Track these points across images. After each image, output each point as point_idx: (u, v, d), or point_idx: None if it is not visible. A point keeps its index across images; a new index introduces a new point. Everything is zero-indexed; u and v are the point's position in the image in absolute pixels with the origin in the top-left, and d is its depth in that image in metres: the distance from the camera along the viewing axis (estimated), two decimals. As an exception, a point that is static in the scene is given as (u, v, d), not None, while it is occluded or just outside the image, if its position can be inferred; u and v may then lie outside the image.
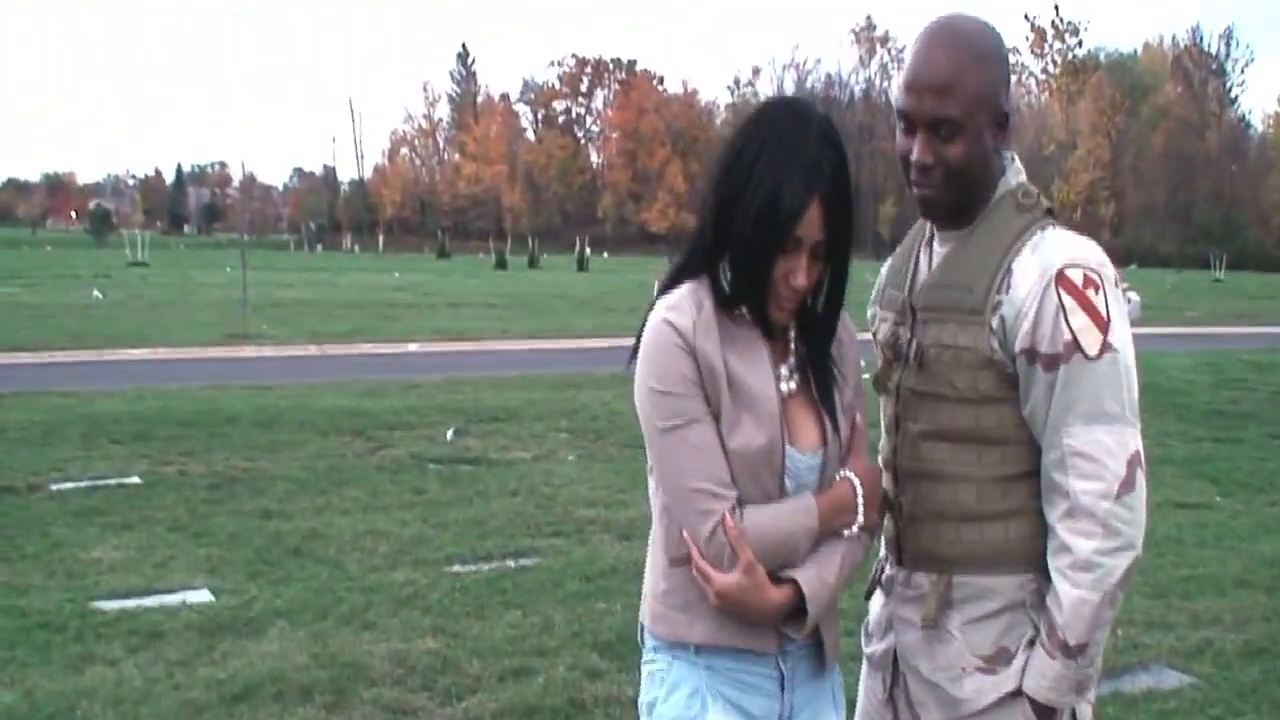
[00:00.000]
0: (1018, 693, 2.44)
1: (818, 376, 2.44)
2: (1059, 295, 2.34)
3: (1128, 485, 2.32)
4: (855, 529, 2.38)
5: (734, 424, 2.31)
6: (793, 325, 2.45)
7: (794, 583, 2.30)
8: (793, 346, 2.45)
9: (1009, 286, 2.40)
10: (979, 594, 2.49)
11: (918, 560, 2.58)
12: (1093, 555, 2.32)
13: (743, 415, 2.32)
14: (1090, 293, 2.34)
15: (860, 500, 2.38)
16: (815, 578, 2.32)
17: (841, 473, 2.40)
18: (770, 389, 2.36)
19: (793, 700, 2.46)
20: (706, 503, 2.29)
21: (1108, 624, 2.38)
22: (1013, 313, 2.38)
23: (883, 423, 2.67)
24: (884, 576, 2.73)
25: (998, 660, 2.47)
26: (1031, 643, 2.44)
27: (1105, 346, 2.33)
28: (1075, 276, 2.35)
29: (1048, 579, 2.41)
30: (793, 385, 2.42)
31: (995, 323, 2.41)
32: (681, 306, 2.34)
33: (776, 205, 2.25)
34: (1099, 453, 2.33)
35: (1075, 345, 2.33)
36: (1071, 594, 2.34)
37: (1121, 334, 2.36)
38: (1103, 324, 2.34)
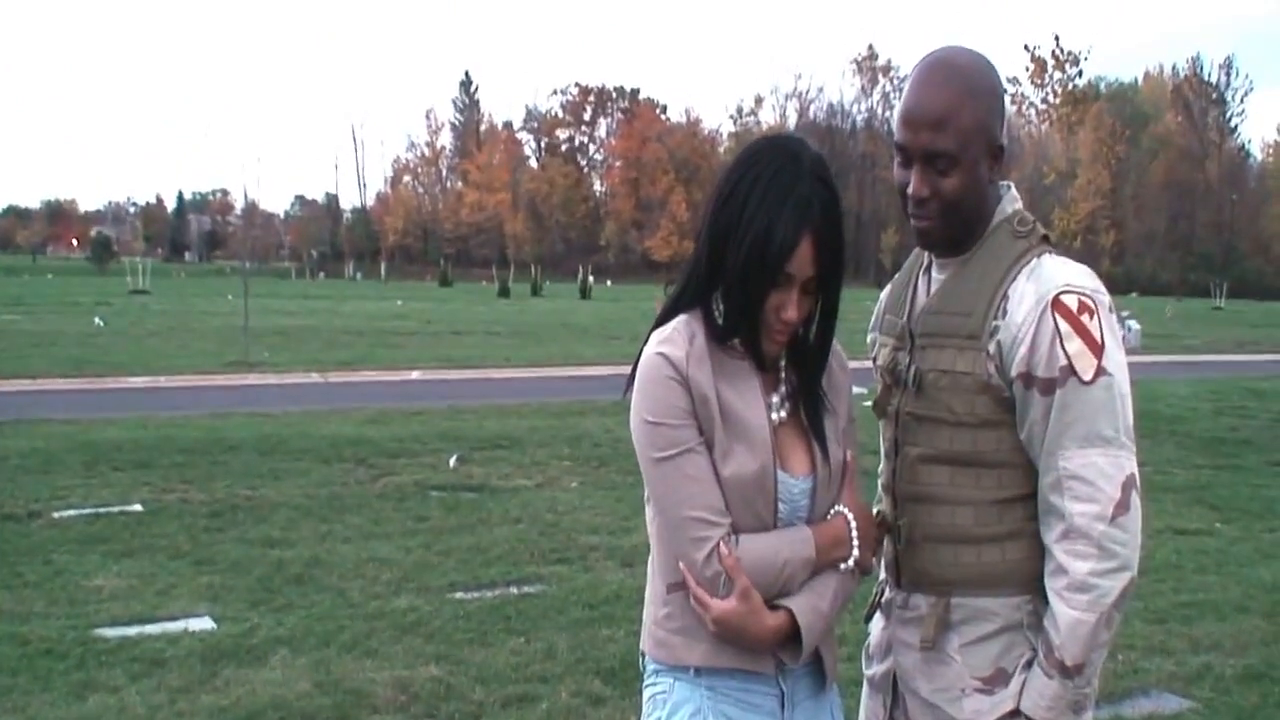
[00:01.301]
0: (1016, 713, 2.46)
1: (808, 405, 2.47)
2: (1055, 320, 2.37)
3: (1123, 508, 2.35)
4: (850, 564, 2.41)
5: (727, 452, 2.35)
6: (784, 356, 2.48)
7: (789, 610, 2.34)
8: (783, 376, 2.48)
9: (1005, 312, 2.44)
10: (977, 615, 2.52)
11: (916, 582, 2.61)
12: (1088, 577, 2.35)
13: (735, 444, 2.36)
14: (1085, 318, 2.38)
15: (855, 536, 2.42)
16: (810, 607, 2.35)
17: (836, 508, 2.44)
18: (761, 417, 2.40)
19: (793, 718, 2.48)
20: (701, 530, 2.33)
21: (1104, 645, 2.40)
22: (1009, 338, 2.42)
23: (882, 447, 2.71)
24: (883, 599, 2.75)
25: (996, 681, 2.49)
26: (1029, 664, 2.47)
27: (1100, 371, 2.36)
28: (1070, 302, 2.39)
29: (1045, 600, 2.44)
30: (783, 414, 2.45)
31: (992, 348, 2.44)
32: (674, 339, 2.40)
33: (769, 242, 2.30)
34: (1094, 476, 2.36)
35: (1071, 370, 2.36)
36: (1068, 615, 2.36)
37: (1116, 359, 2.39)
38: (1097, 349, 2.37)
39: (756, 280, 2.33)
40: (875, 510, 2.73)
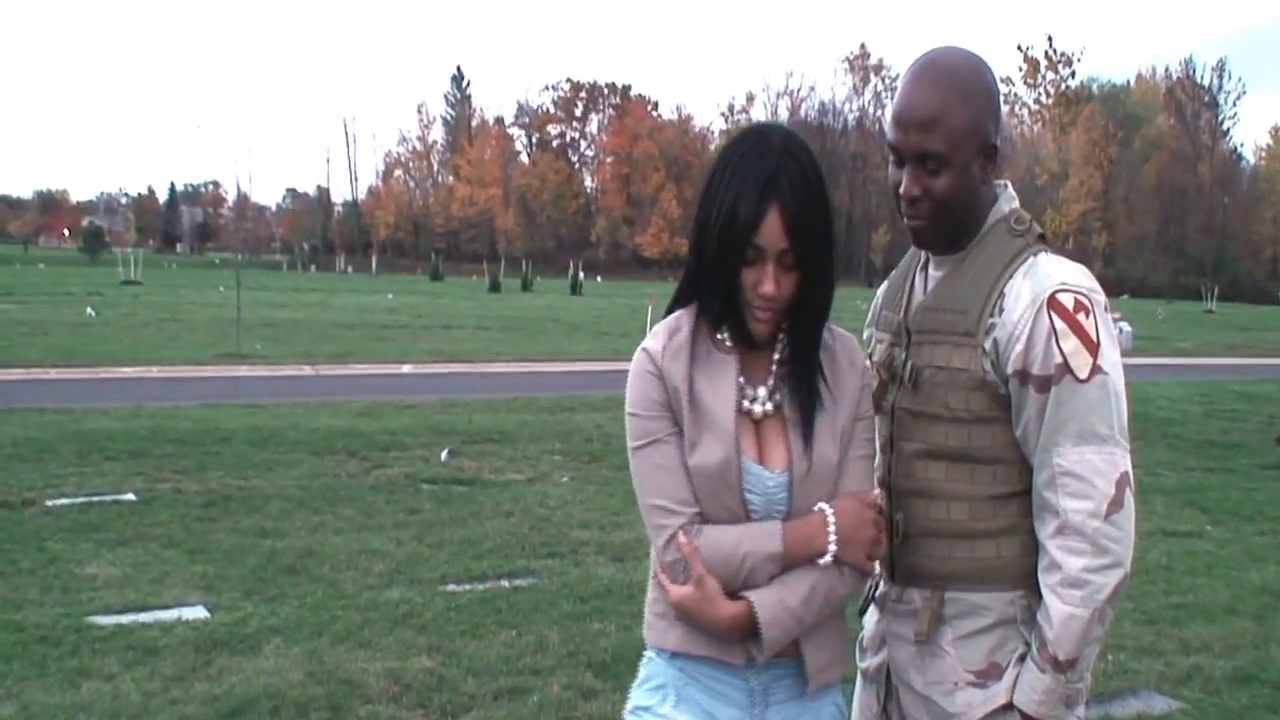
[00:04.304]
0: (1009, 706, 2.48)
1: (797, 398, 2.46)
2: (1050, 319, 2.39)
3: (1116, 504, 2.37)
4: (828, 560, 2.39)
5: (694, 443, 2.39)
6: (780, 348, 2.48)
7: (749, 601, 2.35)
8: (774, 369, 2.48)
9: (1002, 310, 2.46)
10: (971, 610, 2.54)
11: (911, 576, 2.63)
12: (1082, 572, 2.37)
13: (703, 434, 2.39)
14: (1081, 316, 2.40)
15: (831, 532, 2.39)
16: (775, 600, 2.35)
17: (819, 504, 2.42)
18: (729, 409, 2.41)
19: (766, 716, 2.49)
20: (662, 518, 2.39)
21: (1097, 640, 2.42)
22: (1005, 335, 2.44)
23: (877, 442, 2.72)
24: (877, 593, 2.77)
25: (989, 675, 2.51)
26: (1022, 658, 2.49)
27: (1095, 369, 2.39)
28: (1066, 301, 2.41)
29: (1038, 595, 2.46)
30: (768, 407, 2.45)
31: (988, 345, 2.46)
32: (659, 333, 2.47)
33: (735, 217, 2.32)
34: (1088, 473, 2.38)
35: (1066, 368, 2.38)
36: (1062, 610, 2.38)
37: (1111, 358, 2.42)
38: (1093, 347, 2.39)
39: (728, 257, 2.35)
40: None
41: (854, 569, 2.41)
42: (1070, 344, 2.38)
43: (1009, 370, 2.44)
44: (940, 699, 2.56)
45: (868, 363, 2.56)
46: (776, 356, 2.48)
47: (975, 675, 2.52)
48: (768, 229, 2.31)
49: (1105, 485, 2.37)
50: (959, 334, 2.51)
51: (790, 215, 2.31)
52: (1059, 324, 2.39)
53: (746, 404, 2.44)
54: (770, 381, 2.47)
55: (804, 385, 2.45)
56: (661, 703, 2.49)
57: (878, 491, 2.48)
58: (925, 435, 2.56)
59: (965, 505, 2.53)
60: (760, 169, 2.33)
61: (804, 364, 2.46)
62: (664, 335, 2.46)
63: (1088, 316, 2.40)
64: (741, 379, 2.45)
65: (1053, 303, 2.40)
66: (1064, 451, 2.39)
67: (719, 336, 2.46)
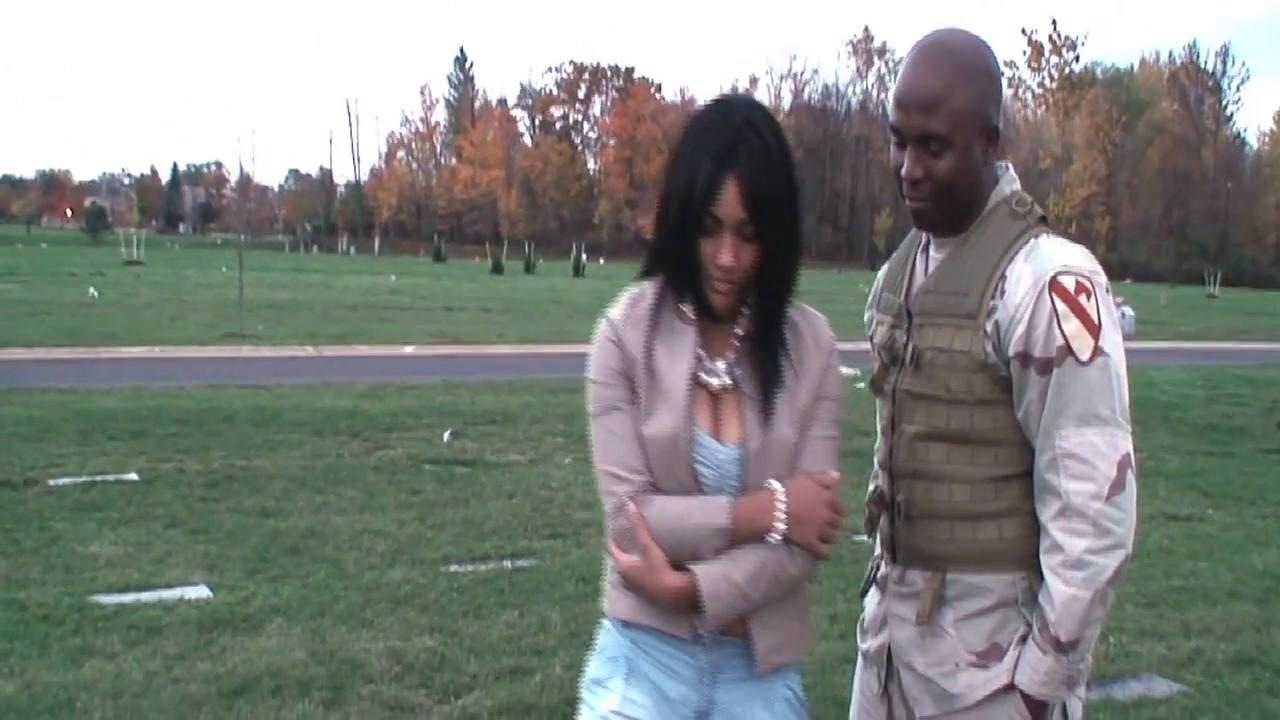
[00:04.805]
0: (1010, 687, 2.48)
1: (757, 374, 2.44)
2: (1052, 301, 2.39)
3: (1118, 486, 2.37)
4: (776, 538, 2.37)
5: (649, 412, 2.40)
6: (744, 322, 2.47)
7: (692, 573, 2.35)
8: (735, 343, 2.47)
9: (1003, 292, 2.45)
10: (972, 591, 2.54)
11: (912, 558, 2.63)
12: (1084, 554, 2.37)
13: (657, 404, 2.40)
14: (1082, 299, 2.40)
15: (779, 509, 2.37)
16: (718, 574, 2.34)
17: (770, 482, 2.40)
18: (682, 379, 2.41)
19: (713, 695, 2.49)
20: (612, 485, 2.41)
21: (1098, 621, 2.42)
22: (1007, 318, 2.43)
23: (879, 424, 2.73)
24: (879, 574, 2.78)
25: (990, 656, 2.52)
26: (1023, 639, 2.49)
27: (1097, 351, 2.38)
28: (1068, 283, 2.40)
29: (1039, 577, 2.46)
30: (727, 380, 2.44)
31: (990, 327, 2.46)
32: (621, 302, 2.49)
33: (693, 187, 2.32)
34: (1090, 454, 2.38)
35: (1068, 350, 2.38)
36: (1064, 591, 2.39)
37: (1112, 340, 2.42)
38: (1094, 329, 2.39)
39: (687, 227, 2.35)
40: (872, 487, 2.75)
41: (806, 550, 2.39)
42: (1072, 326, 2.38)
43: (1010, 352, 2.43)
44: (941, 680, 2.57)
45: (835, 344, 2.52)
46: (739, 331, 2.46)
47: (976, 656, 2.53)
48: (725, 199, 2.30)
49: (1107, 467, 2.37)
50: (960, 316, 2.50)
51: (748, 186, 2.30)
52: (1060, 306, 2.38)
53: (704, 376, 2.43)
54: (731, 355, 2.46)
55: (764, 361, 2.44)
56: (612, 675, 2.51)
57: (836, 474, 2.44)
58: (926, 417, 2.56)
59: (967, 487, 2.53)
60: (719, 139, 2.32)
61: (765, 340, 2.45)
62: (626, 305, 2.48)
63: (1089, 298, 2.40)
64: (702, 351, 2.45)
65: (1054, 285, 2.40)
66: (1066, 433, 2.39)
67: (682, 308, 2.46)
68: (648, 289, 2.49)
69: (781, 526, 2.35)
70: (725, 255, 2.33)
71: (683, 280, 2.43)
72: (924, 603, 2.58)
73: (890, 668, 2.71)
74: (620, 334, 2.45)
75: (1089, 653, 2.46)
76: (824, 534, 2.39)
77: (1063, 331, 2.38)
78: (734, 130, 2.32)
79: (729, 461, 2.41)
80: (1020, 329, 2.41)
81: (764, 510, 2.36)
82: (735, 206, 2.30)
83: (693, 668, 2.47)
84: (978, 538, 2.52)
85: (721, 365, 2.44)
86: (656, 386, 2.41)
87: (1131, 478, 2.40)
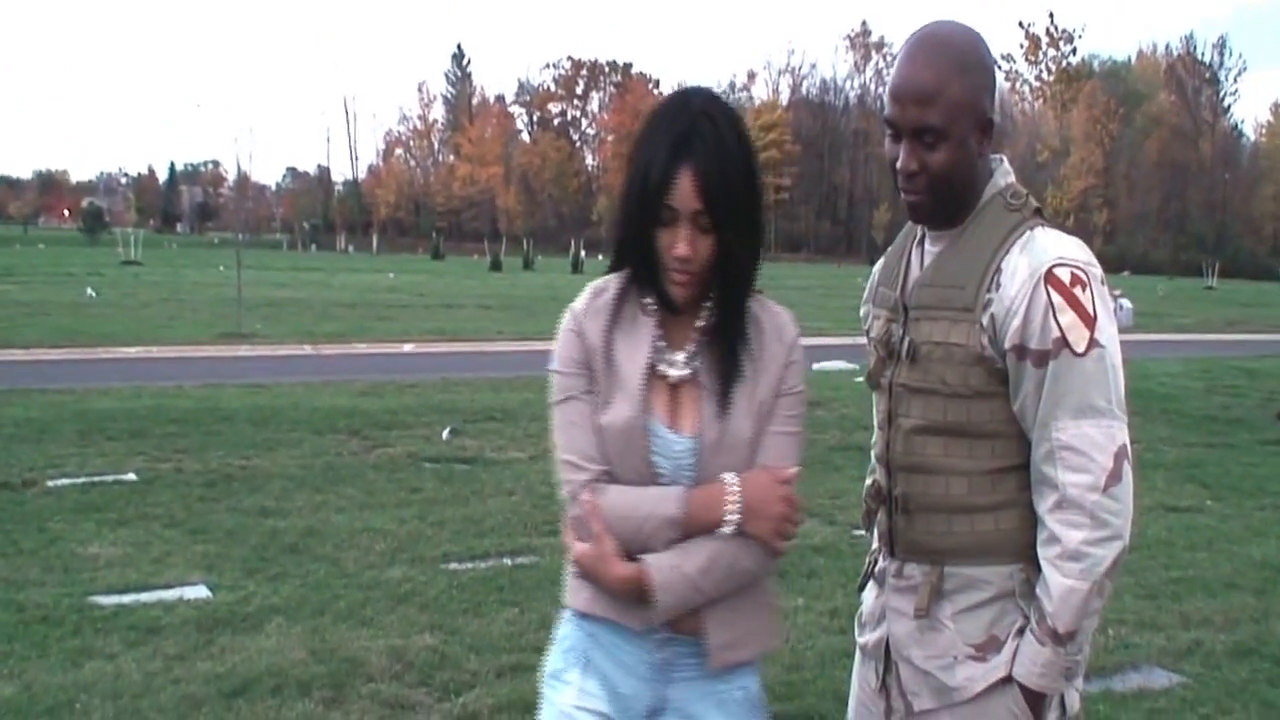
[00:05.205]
0: (1008, 679, 2.49)
1: (715, 366, 2.44)
2: (1048, 293, 2.39)
3: (1115, 477, 2.38)
4: (729, 530, 2.36)
5: (606, 402, 2.43)
6: (705, 314, 2.47)
7: (643, 563, 2.36)
8: (695, 336, 2.47)
9: (999, 285, 2.46)
10: (970, 584, 2.54)
11: (910, 552, 2.63)
12: (1081, 545, 2.37)
13: (615, 394, 2.42)
14: (1078, 290, 2.40)
15: (732, 502, 2.36)
16: (668, 564, 2.35)
17: (725, 474, 2.40)
18: (639, 369, 2.43)
19: (666, 692, 2.49)
20: (569, 473, 2.44)
21: (1096, 613, 2.42)
22: (1003, 310, 2.44)
23: (875, 418, 2.74)
24: (876, 568, 2.78)
25: (988, 648, 2.52)
26: (1021, 631, 2.49)
27: (1092, 343, 2.39)
28: (1063, 275, 2.41)
29: (1037, 569, 2.46)
30: (685, 372, 2.45)
31: (985, 320, 2.46)
32: (585, 293, 2.53)
33: (647, 178, 2.33)
34: (1087, 446, 2.38)
35: (1064, 342, 2.38)
36: (1061, 583, 2.39)
37: (1108, 331, 2.42)
38: (1090, 321, 2.39)
39: (644, 218, 2.37)
40: (869, 481, 2.76)
41: (761, 544, 2.39)
42: (1067, 318, 2.38)
43: (1006, 345, 2.44)
44: (940, 673, 2.57)
45: (799, 340, 2.52)
46: (700, 324, 2.47)
47: (974, 649, 2.53)
48: (680, 189, 2.31)
49: (1104, 458, 2.37)
50: (956, 309, 2.51)
51: (702, 176, 2.31)
52: (1056, 298, 2.39)
53: (663, 367, 2.45)
54: (691, 347, 2.47)
55: (723, 354, 2.44)
56: (569, 668, 2.53)
57: (794, 469, 2.44)
58: (923, 410, 2.56)
59: (964, 480, 2.53)
60: (675, 130, 2.33)
61: (725, 332, 2.45)
62: (588, 296, 2.52)
63: (1084, 290, 2.40)
64: (663, 343, 2.46)
65: (1049, 277, 2.40)
66: (1062, 425, 2.39)
67: (645, 301, 2.47)
68: (611, 281, 2.52)
69: (733, 519, 2.36)
70: (681, 246, 2.34)
71: (643, 272, 2.44)
72: (922, 596, 2.58)
73: (888, 662, 2.71)
74: (581, 325, 2.48)
75: (1086, 644, 2.46)
76: (779, 529, 2.39)
77: (1058, 324, 2.38)
78: (690, 120, 2.34)
79: (684, 452, 2.41)
80: (1016, 321, 2.41)
81: (716, 502, 2.36)
82: (690, 196, 2.31)
83: (646, 664, 2.48)
84: (975, 530, 2.53)
85: (681, 357, 2.45)
86: (614, 376, 2.44)
87: (1128, 469, 2.40)
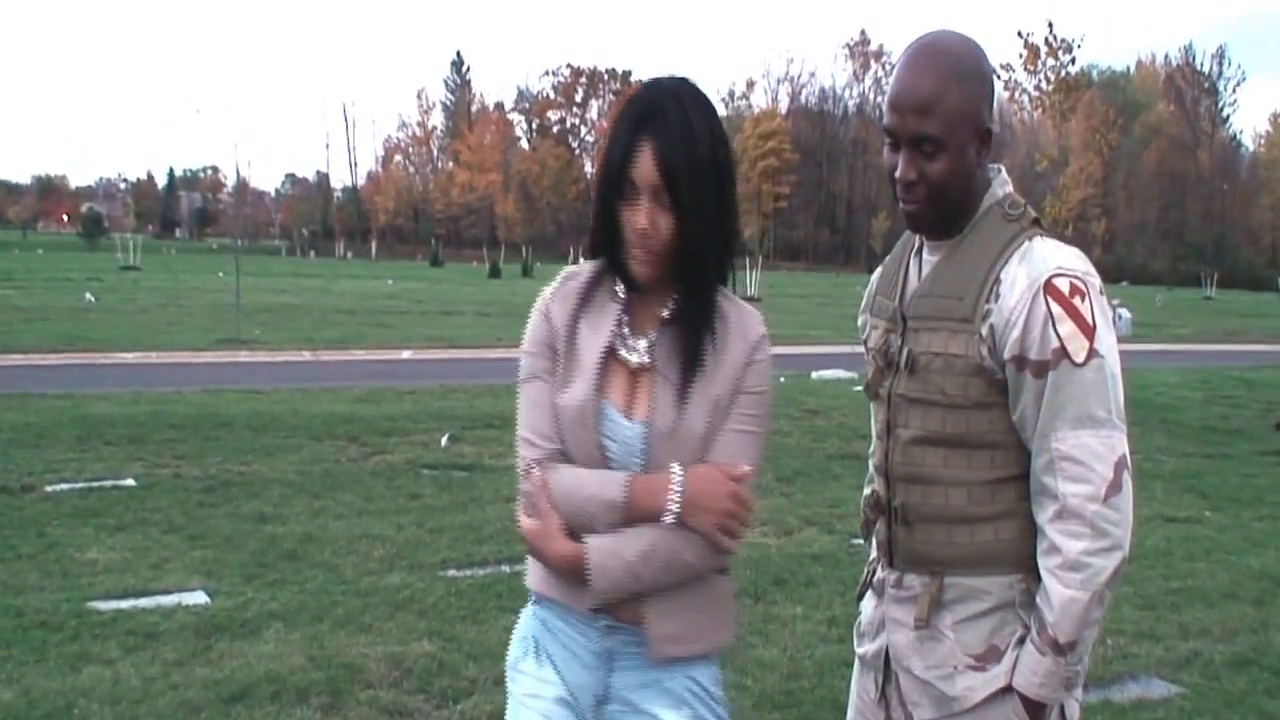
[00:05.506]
0: (1008, 689, 2.49)
1: (676, 355, 2.45)
2: (1047, 304, 2.40)
3: (1115, 488, 2.38)
4: (669, 519, 2.35)
5: (565, 383, 2.47)
6: (671, 307, 2.47)
7: (583, 544, 2.39)
8: (659, 322, 2.48)
9: (998, 295, 2.46)
10: (970, 594, 2.54)
11: (909, 562, 2.63)
12: (1081, 555, 2.38)
13: (574, 375, 2.46)
14: (1077, 301, 2.40)
15: (675, 492, 2.35)
16: (608, 548, 2.36)
17: (674, 465, 2.39)
18: (596, 352, 2.45)
19: (610, 681, 2.50)
20: (525, 450, 2.49)
21: (1096, 623, 2.43)
22: (1002, 321, 2.44)
23: (874, 428, 2.74)
24: (875, 579, 2.78)
25: (988, 658, 2.52)
26: (1021, 641, 2.49)
27: (1091, 353, 2.39)
28: (1062, 285, 2.41)
29: (1036, 579, 2.47)
30: (646, 358, 2.46)
31: (985, 331, 2.46)
32: (558, 278, 2.58)
33: (610, 152, 2.37)
34: (1087, 456, 2.38)
35: (1063, 352, 2.38)
36: (1062, 593, 2.39)
37: (1107, 341, 2.42)
38: (1089, 331, 2.39)
39: (608, 193, 2.40)
40: (867, 491, 2.76)
41: (706, 540, 2.38)
42: (1067, 328, 2.39)
43: (1006, 356, 2.44)
44: (940, 683, 2.57)
45: (764, 340, 2.49)
46: (664, 314, 2.48)
47: (974, 659, 2.53)
48: (640, 163, 2.33)
49: (1103, 469, 2.38)
50: (955, 320, 2.51)
51: (662, 150, 2.32)
52: (1055, 309, 2.39)
53: (624, 353, 2.46)
54: (653, 334, 2.48)
55: (684, 344, 2.44)
56: (525, 656, 2.57)
57: (747, 468, 2.41)
58: (923, 421, 2.56)
59: (964, 490, 2.53)
60: (640, 107, 2.37)
61: (688, 323, 2.45)
62: (561, 279, 2.56)
63: (1083, 300, 2.41)
64: (627, 329, 2.48)
65: (1049, 288, 2.40)
66: (1062, 436, 2.40)
67: (615, 288, 2.50)
68: (585, 267, 2.56)
69: (674, 509, 2.35)
70: (641, 218, 2.35)
71: (609, 251, 2.47)
72: (922, 606, 2.59)
73: (888, 672, 2.71)
74: (549, 307, 2.53)
75: (1086, 654, 2.47)
76: (723, 524, 2.37)
77: (1058, 334, 2.38)
78: (655, 99, 2.37)
79: (634, 438, 2.42)
80: (1016, 332, 2.41)
81: (659, 491, 2.36)
82: (650, 170, 2.33)
83: (591, 651, 2.50)
84: (975, 540, 2.53)
85: (643, 344, 2.47)
86: (575, 358, 2.47)
87: (1128, 479, 2.41)
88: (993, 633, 2.53)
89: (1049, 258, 2.45)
